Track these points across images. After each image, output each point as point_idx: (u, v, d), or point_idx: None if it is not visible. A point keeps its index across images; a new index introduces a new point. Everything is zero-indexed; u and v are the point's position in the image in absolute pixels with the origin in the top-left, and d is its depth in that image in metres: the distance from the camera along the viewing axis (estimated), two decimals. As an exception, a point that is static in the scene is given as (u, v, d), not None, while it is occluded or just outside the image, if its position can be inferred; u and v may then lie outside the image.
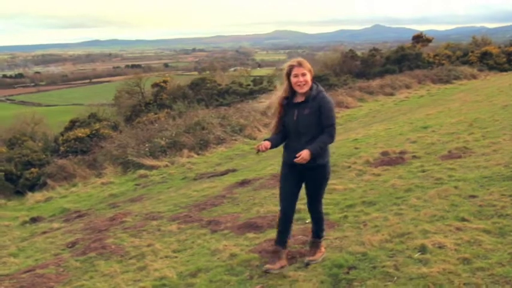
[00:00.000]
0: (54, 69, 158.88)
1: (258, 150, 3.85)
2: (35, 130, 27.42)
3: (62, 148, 16.02)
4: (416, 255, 3.87)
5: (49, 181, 13.54)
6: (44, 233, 7.94)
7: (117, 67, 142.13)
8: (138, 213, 7.53)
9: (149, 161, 12.80)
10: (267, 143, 3.90)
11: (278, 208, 6.14)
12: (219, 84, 22.83)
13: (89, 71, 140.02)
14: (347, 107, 18.90)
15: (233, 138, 14.08)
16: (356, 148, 9.07)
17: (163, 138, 13.61)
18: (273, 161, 10.12)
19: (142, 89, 24.13)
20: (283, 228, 4.15)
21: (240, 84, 22.62)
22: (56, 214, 9.87)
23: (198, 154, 13.09)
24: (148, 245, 5.65)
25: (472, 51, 29.36)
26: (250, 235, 5.29)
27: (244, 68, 49.43)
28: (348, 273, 3.78)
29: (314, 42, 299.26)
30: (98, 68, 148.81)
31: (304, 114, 3.84)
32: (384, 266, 3.77)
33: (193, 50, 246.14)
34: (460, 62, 27.79)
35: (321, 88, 3.95)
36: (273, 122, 4.07)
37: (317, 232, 4.28)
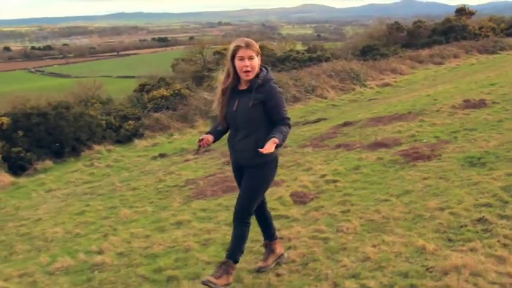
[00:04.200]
0: (81, 41, 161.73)
1: (200, 146, 3.43)
2: (97, 94, 29.55)
3: (149, 105, 18.02)
4: (528, 151, 5.61)
5: (147, 132, 15.56)
6: (186, 160, 9.84)
7: (144, 40, 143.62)
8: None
9: (237, 115, 14.69)
10: (209, 137, 3.44)
11: (392, 136, 7.94)
12: (276, 53, 24.58)
13: (115, 43, 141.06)
14: (401, 74, 20.39)
15: (307, 97, 15.84)
16: (435, 99, 10.69)
17: (247, 96, 15.46)
18: (360, 111, 11.86)
19: (204, 56, 26.13)
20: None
21: (297, 52, 24.33)
22: (178, 152, 11.81)
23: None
24: (298, 160, 7.45)
25: (516, 24, 30.33)
26: (382, 150, 7.01)
27: (290, 41, 50.70)
28: (479, 159, 5.55)
29: (342, 17, 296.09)
30: (125, 41, 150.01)
31: (245, 105, 3.28)
32: (505, 156, 5.53)
33: (219, 23, 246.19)
34: (505, 34, 28.79)
35: (271, 75, 3.35)
36: (218, 113, 3.48)
37: (230, 251, 3.45)
